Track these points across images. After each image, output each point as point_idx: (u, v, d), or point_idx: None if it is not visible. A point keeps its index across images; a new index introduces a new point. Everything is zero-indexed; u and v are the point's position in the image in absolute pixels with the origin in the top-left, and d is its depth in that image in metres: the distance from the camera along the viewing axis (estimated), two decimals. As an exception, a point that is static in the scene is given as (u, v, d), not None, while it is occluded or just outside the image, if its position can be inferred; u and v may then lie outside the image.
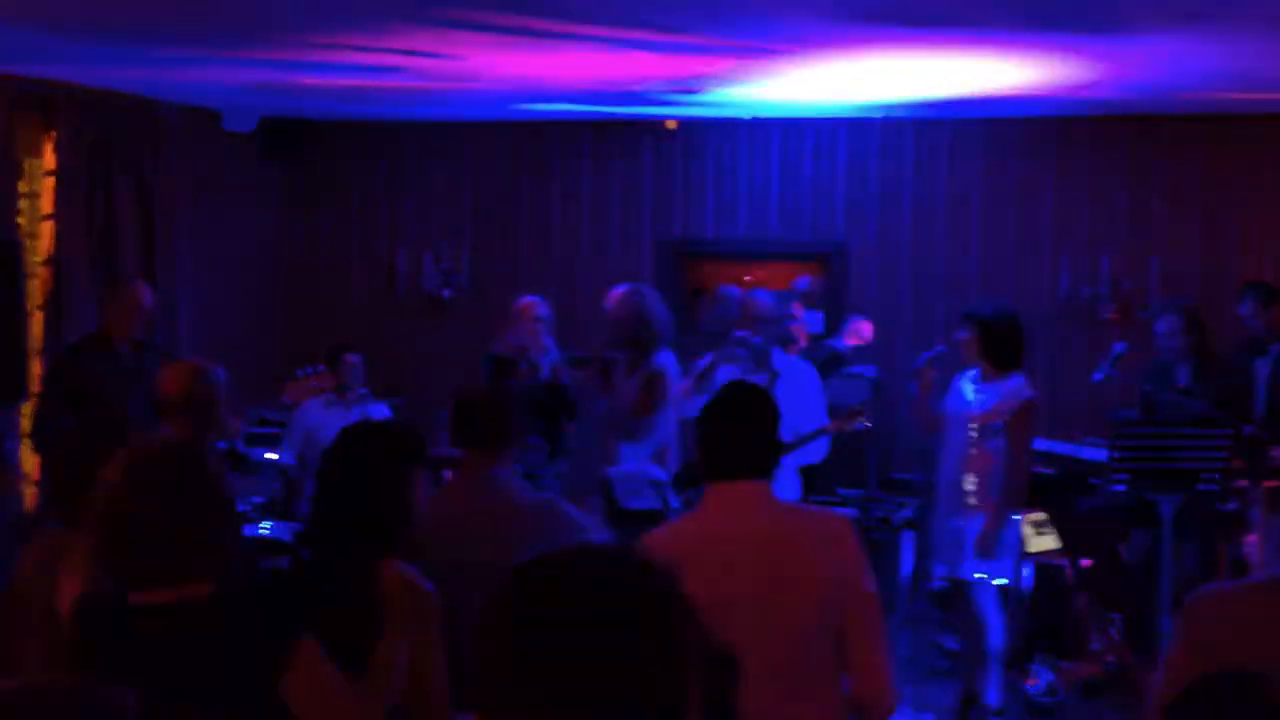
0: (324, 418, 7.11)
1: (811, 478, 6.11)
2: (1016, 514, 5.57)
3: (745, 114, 8.05)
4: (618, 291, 6.45)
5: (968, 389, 5.60)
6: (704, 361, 6.11)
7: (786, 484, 5.90)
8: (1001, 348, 5.47)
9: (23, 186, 6.96)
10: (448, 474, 4.69)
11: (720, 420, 3.06)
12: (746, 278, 8.58)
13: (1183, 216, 7.78)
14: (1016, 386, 5.43)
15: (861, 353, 7.67)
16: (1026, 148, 7.95)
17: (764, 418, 3.07)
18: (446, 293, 8.62)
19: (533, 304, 6.86)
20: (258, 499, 6.62)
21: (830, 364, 7.13)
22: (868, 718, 2.96)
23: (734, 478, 3.02)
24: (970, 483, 5.45)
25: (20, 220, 6.94)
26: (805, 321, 6.91)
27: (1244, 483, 5.89)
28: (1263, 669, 1.81)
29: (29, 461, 6.75)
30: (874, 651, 2.95)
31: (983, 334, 5.48)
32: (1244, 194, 7.70)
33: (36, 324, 6.89)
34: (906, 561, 6.88)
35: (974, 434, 5.44)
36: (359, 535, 3.01)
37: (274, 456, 7.14)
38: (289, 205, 8.93)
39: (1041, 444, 6.45)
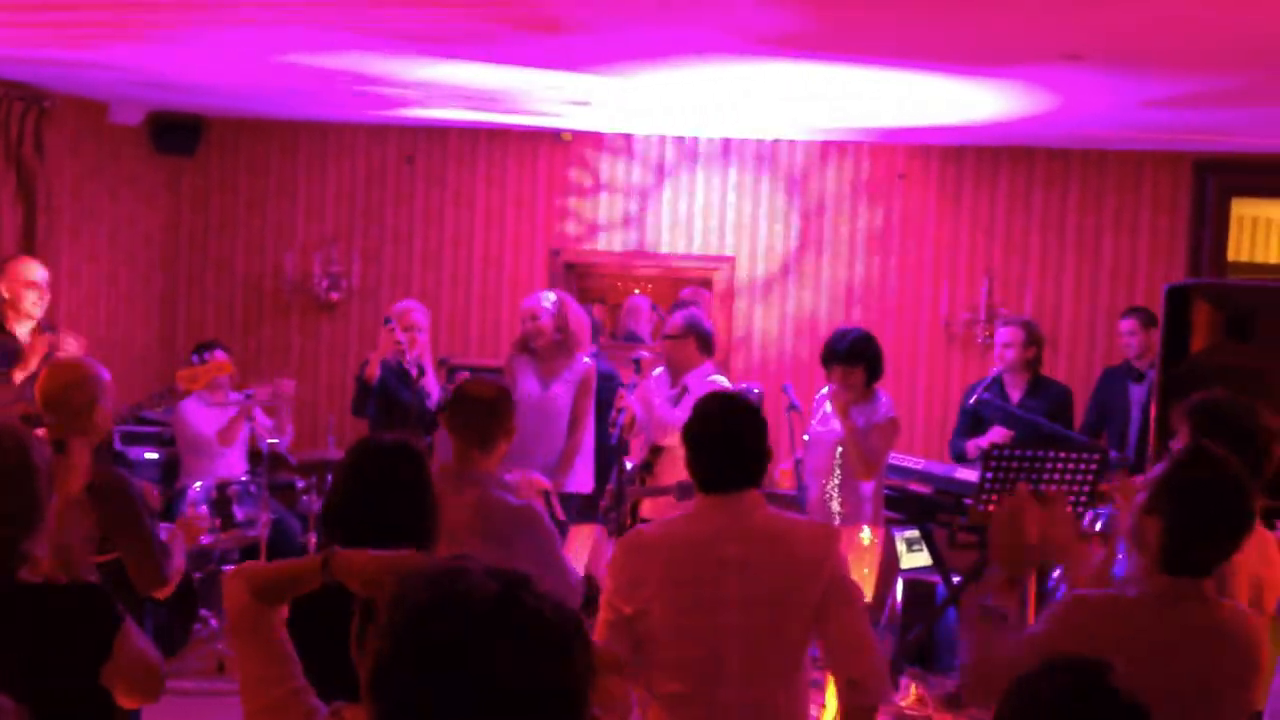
0: (198, 413, 7.04)
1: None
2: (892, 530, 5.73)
3: (639, 130, 8.13)
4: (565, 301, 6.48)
5: (828, 410, 5.81)
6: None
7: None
8: (874, 369, 5.82)
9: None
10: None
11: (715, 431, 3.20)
12: (636, 290, 8.67)
13: (1058, 246, 8.03)
14: (881, 407, 5.72)
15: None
16: (911, 173, 8.14)
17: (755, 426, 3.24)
18: (335, 295, 8.56)
19: (401, 312, 6.61)
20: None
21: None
22: (864, 696, 3.14)
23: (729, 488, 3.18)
24: (836, 501, 5.67)
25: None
26: None
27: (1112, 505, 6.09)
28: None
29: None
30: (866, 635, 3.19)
31: (863, 367, 5.75)
32: (1117, 226, 7.98)
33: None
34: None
35: (839, 456, 5.67)
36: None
37: (154, 456, 7.03)
38: (176, 201, 8.79)
39: (918, 464, 6.61)
